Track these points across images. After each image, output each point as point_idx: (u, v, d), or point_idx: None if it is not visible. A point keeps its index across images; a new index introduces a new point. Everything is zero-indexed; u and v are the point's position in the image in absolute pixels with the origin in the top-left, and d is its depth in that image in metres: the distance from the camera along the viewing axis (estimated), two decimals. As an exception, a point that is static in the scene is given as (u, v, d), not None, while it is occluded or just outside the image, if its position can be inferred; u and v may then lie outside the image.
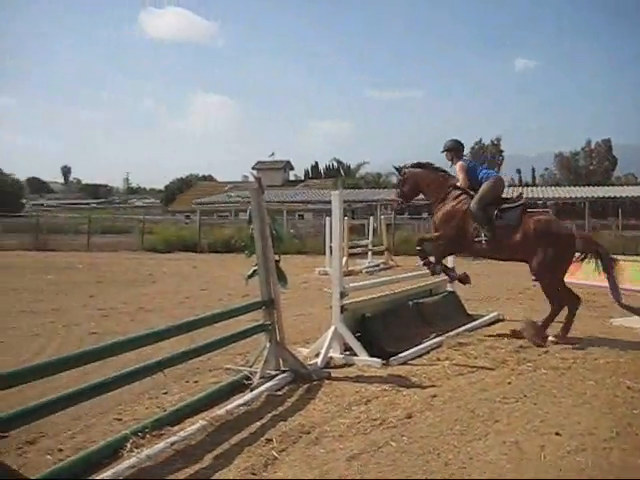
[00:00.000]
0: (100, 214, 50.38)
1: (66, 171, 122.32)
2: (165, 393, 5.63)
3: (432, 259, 8.29)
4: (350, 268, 16.86)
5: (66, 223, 38.88)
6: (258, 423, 4.77)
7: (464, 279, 8.68)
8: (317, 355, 6.69)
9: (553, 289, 7.83)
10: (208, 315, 5.81)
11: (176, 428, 4.58)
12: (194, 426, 4.57)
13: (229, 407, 5.02)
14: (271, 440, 4.37)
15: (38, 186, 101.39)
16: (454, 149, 8.60)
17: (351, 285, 7.42)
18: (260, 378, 5.74)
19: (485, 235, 7.88)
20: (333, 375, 6.15)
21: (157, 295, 11.72)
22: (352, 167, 63.87)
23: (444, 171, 8.59)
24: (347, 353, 6.84)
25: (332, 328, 6.78)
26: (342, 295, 6.84)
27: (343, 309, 6.83)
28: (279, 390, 5.61)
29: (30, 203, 69.90)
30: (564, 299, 7.86)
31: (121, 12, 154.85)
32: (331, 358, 6.73)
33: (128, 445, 4.17)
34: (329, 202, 7.10)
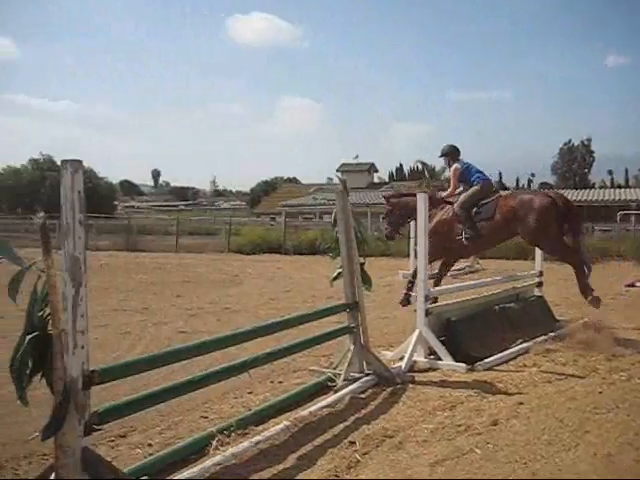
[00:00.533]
0: (188, 216, 51.58)
1: (156, 174, 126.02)
2: (250, 393, 5.71)
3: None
4: (434, 272, 16.63)
5: (156, 225, 40.02)
6: (341, 425, 4.76)
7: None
8: (401, 359, 6.64)
9: (558, 249, 8.21)
10: (293, 317, 5.86)
11: (260, 428, 4.64)
12: (278, 426, 4.61)
13: (313, 408, 5.04)
14: (354, 443, 4.36)
15: (129, 189, 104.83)
16: (450, 153, 9.25)
17: (436, 288, 7.33)
18: (344, 380, 5.74)
19: (467, 232, 8.58)
20: (417, 379, 6.09)
21: (242, 296, 11.90)
22: (437, 169, 63.09)
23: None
24: (431, 357, 6.76)
25: (416, 332, 6.71)
26: (427, 298, 6.77)
27: (428, 312, 6.75)
28: (363, 393, 5.59)
29: (122, 205, 72.37)
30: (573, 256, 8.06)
31: (208, 19, 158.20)
32: (415, 362, 6.66)
33: (214, 443, 4.25)
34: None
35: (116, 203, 65.82)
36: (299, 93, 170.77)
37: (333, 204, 6.13)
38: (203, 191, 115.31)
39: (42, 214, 3.03)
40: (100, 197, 50.26)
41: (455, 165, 9.11)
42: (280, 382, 6.11)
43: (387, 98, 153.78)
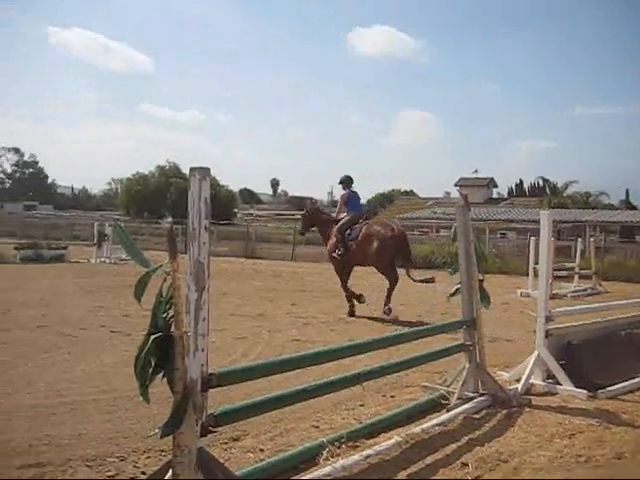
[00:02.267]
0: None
1: (275, 183, 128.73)
2: (362, 405, 5.68)
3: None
4: (554, 291, 16.06)
5: (273, 233, 40.83)
6: (454, 445, 4.65)
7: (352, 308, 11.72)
8: (517, 380, 6.42)
9: (385, 271, 11.54)
10: (409, 332, 5.80)
11: (371, 441, 4.60)
12: (389, 441, 4.55)
13: (425, 426, 4.95)
14: (467, 465, 4.24)
15: (249, 197, 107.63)
16: (344, 182, 12.36)
17: (557, 310, 7.05)
18: (457, 399, 5.61)
19: (340, 249, 11.68)
20: (534, 403, 5.86)
21: (357, 307, 11.89)
22: (559, 185, 60.89)
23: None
24: (550, 381, 6.49)
25: (535, 353, 6.47)
26: (547, 319, 6.52)
27: (548, 334, 6.50)
28: (477, 413, 5.44)
29: (241, 213, 74.29)
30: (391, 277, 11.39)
31: (330, 31, 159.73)
32: (532, 385, 6.43)
33: (324, 453, 4.25)
34: (533, 221, 6.90)
35: (236, 210, 67.62)
36: (418, 106, 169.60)
37: (452, 218, 6.02)
38: (320, 201, 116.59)
39: (169, 219, 3.14)
40: (221, 204, 51.80)
41: (342, 192, 12.44)
42: (392, 396, 6.05)
43: (508, 113, 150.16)
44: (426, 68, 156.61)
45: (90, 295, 13.05)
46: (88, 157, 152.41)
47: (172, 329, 3.02)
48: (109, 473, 4.02)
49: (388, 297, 11.30)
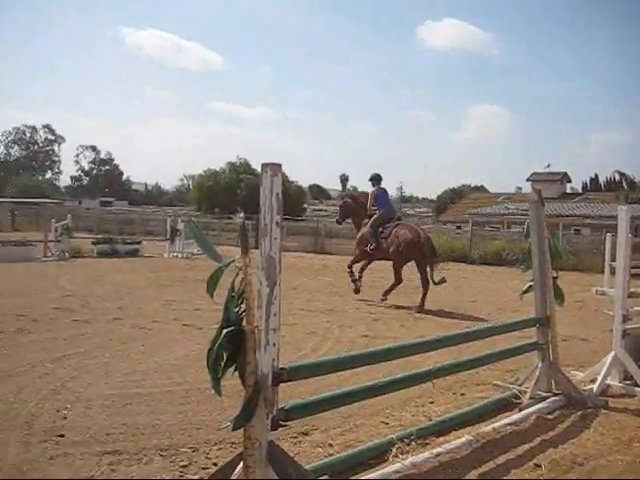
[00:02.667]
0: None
1: (344, 179, 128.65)
2: (432, 402, 5.63)
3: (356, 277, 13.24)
4: (632, 290, 15.53)
5: (342, 228, 40.82)
6: (526, 446, 4.56)
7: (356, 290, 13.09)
8: (592, 381, 6.24)
9: (396, 270, 12.43)
10: (480, 329, 5.72)
11: (441, 439, 4.56)
12: (459, 440, 4.50)
13: (496, 425, 4.87)
14: (540, 466, 4.15)
15: (318, 192, 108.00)
16: (373, 179, 13.25)
17: (635, 309, 6.82)
18: (530, 398, 5.51)
19: (372, 244, 12.60)
20: (610, 404, 5.69)
21: (427, 303, 11.79)
22: (637, 180, 58.73)
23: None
24: (627, 382, 6.29)
25: (611, 353, 6.28)
26: (624, 318, 6.31)
27: (625, 334, 6.30)
28: (550, 413, 5.32)
29: (311, 208, 74.61)
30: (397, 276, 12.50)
31: (398, 25, 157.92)
32: (608, 386, 6.24)
33: (393, 450, 4.23)
34: (609, 217, 6.67)
35: (305, 206, 67.93)
36: (488, 100, 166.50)
37: (524, 214, 5.90)
38: (390, 196, 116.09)
39: (242, 214, 3.18)
40: (291, 200, 52.08)
41: (372, 190, 13.26)
42: (462, 394, 5.98)
43: (582, 106, 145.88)
44: (496, 61, 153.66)
45: (163, 289, 13.35)
46: (161, 154, 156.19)
47: (244, 323, 3.05)
48: (182, 463, 4.11)
49: (388, 292, 12.43)
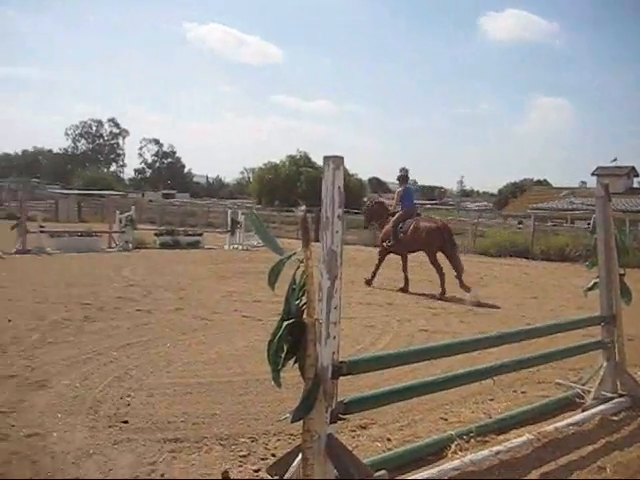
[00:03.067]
0: (433, 215, 51.54)
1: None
2: (491, 400, 5.56)
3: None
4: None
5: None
6: (590, 447, 4.45)
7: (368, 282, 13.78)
8: (660, 382, 6.05)
9: (432, 262, 12.95)
10: (543, 326, 5.60)
11: (501, 437, 4.50)
12: (520, 438, 4.43)
13: (558, 425, 4.77)
14: (604, 469, 4.05)
15: (377, 186, 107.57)
16: (401, 179, 14.48)
17: None
18: (594, 399, 5.37)
19: (391, 240, 13.54)
20: (679, 407, 5.50)
21: (486, 298, 11.64)
22: None
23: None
24: (698, 385, 6.07)
25: (681, 354, 6.08)
26: (695, 319, 6.10)
27: (695, 334, 6.09)
28: (615, 415, 5.17)
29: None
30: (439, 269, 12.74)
31: (460, 17, 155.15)
32: (677, 387, 6.03)
33: (452, 446, 4.21)
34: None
35: (365, 199, 67.59)
36: (552, 92, 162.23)
37: (590, 209, 5.75)
38: (450, 190, 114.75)
39: (303, 207, 3.17)
40: (351, 193, 51.86)
41: (398, 189, 14.43)
42: (523, 392, 5.88)
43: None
44: (560, 52, 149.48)
45: (223, 280, 13.49)
46: (222, 147, 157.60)
47: (304, 316, 3.06)
48: (241, 453, 4.16)
49: (443, 286, 12.52)
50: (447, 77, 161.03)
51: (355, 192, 55.63)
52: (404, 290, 13.20)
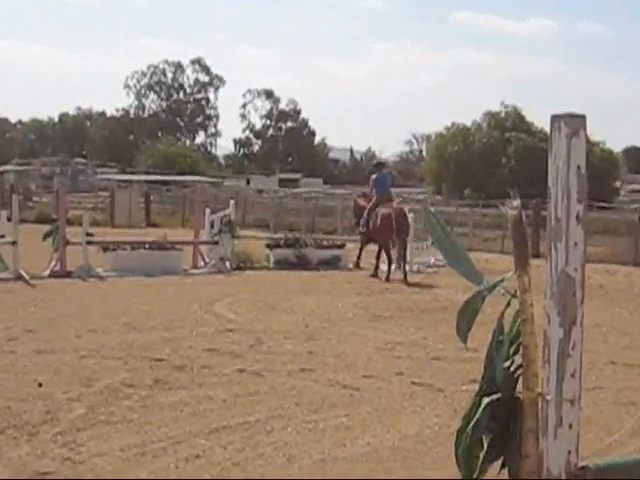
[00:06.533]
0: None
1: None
2: None
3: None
4: None
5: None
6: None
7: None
8: None
9: (384, 247, 14.09)
10: None
11: None
12: None
13: None
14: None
15: (637, 160, 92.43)
16: (375, 166, 17.12)
17: None
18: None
19: (363, 227, 14.56)
20: None
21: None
22: None
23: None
24: None
25: None
26: None
27: None
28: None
29: (628, 188, 58.46)
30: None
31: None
32: None
33: None
34: None
35: (618, 184, 49.98)
36: None
37: None
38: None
39: (517, 202, 1.98)
40: (595, 174, 31.53)
41: (372, 176, 15.23)
42: None
43: None
44: None
45: (378, 322, 9.66)
46: (372, 102, 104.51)
47: (519, 388, 2.00)
48: None
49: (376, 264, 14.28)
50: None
51: (602, 172, 36.96)
52: (374, 275, 14.03)
